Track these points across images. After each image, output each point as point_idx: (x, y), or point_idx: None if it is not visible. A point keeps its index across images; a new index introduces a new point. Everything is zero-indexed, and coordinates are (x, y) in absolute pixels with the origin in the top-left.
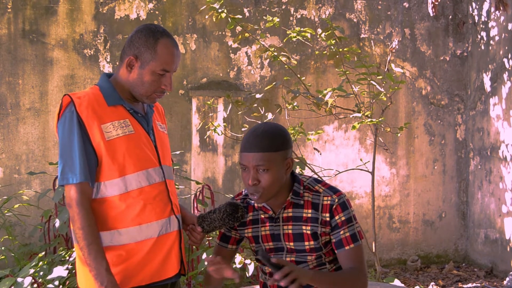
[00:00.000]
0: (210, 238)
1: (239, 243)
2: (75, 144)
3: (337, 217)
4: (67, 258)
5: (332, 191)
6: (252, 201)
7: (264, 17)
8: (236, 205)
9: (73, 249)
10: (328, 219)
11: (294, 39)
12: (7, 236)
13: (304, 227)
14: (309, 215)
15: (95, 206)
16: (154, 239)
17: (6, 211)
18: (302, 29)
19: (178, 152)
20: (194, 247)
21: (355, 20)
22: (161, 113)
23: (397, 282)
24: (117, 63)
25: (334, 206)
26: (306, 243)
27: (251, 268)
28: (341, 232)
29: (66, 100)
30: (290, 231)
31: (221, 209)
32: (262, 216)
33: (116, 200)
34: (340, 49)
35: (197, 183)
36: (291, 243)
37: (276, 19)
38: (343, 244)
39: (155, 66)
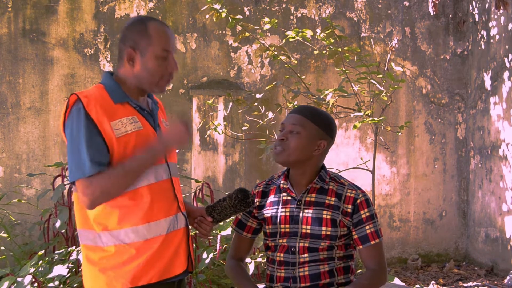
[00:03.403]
0: (211, 237)
1: (255, 233)
2: (82, 140)
3: (362, 212)
4: (68, 257)
5: (356, 187)
6: (278, 182)
7: (264, 16)
8: (246, 191)
9: (74, 248)
10: (349, 210)
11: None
12: (5, 235)
13: (325, 212)
14: (332, 202)
15: (104, 205)
16: (163, 236)
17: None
18: (301, 30)
19: (177, 151)
20: (194, 246)
21: (355, 19)
22: (163, 110)
23: (397, 280)
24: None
25: (358, 201)
26: (324, 228)
27: (251, 268)
28: (367, 228)
29: (72, 99)
30: (309, 215)
31: (231, 196)
32: (285, 198)
33: (125, 197)
34: (340, 48)
35: (197, 181)
36: (308, 227)
37: (275, 21)
38: (369, 239)
39: (155, 50)
